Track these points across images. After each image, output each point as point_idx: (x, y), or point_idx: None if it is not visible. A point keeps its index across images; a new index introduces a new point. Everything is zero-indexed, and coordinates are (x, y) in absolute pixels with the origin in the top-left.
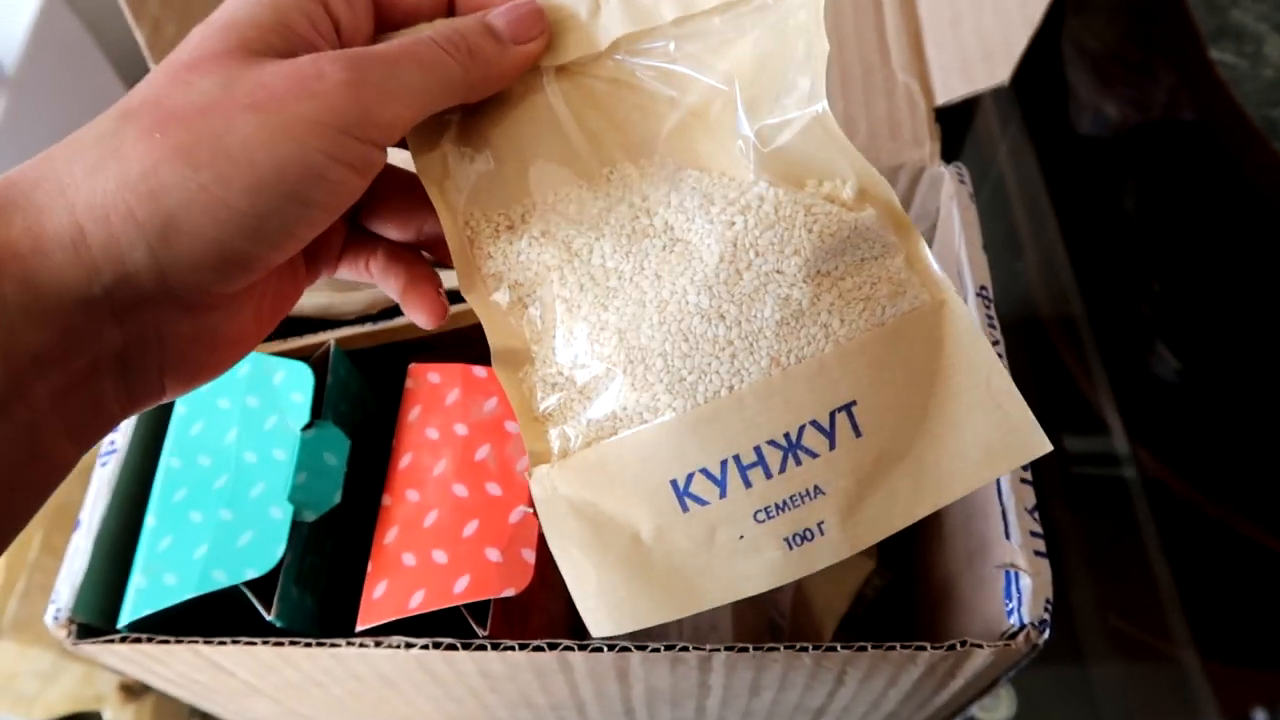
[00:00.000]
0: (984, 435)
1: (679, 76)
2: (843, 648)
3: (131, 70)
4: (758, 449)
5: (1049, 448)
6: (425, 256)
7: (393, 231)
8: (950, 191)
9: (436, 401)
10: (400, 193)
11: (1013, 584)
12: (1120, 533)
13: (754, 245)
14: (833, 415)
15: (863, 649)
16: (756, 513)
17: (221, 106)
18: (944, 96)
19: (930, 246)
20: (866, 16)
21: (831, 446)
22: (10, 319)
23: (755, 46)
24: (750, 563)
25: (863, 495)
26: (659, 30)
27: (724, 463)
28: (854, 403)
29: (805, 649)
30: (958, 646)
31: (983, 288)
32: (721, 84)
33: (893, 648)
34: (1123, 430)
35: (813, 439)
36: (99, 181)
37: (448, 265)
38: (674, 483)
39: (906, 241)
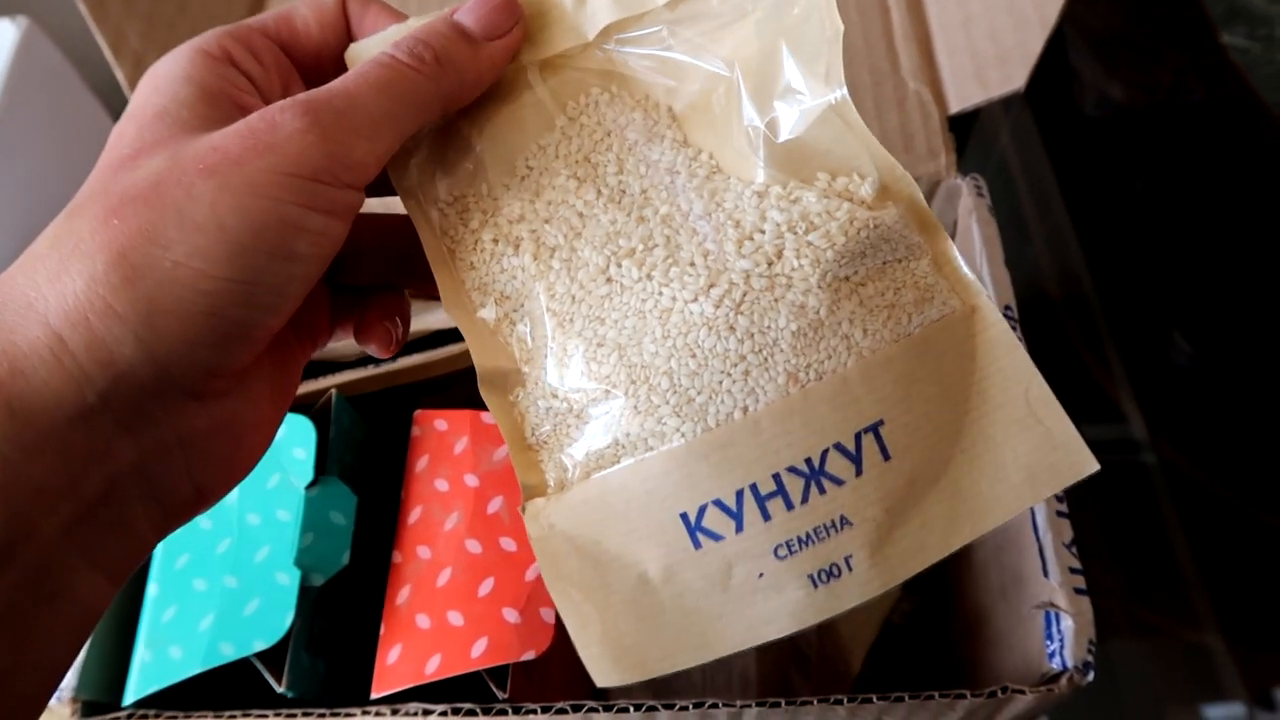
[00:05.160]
0: (1025, 454)
1: (676, 64)
2: (879, 698)
3: (117, 101)
4: (777, 477)
5: (1096, 467)
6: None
7: (366, 277)
8: (969, 206)
9: (445, 450)
10: (372, 234)
11: (1054, 625)
12: (1141, 518)
13: (763, 248)
14: (858, 437)
15: (900, 699)
16: (777, 548)
17: (174, 178)
18: (957, 104)
19: None
20: (873, 22)
21: (858, 472)
22: (1, 454)
23: (759, 28)
24: (771, 603)
25: (894, 525)
26: (651, 15)
27: (740, 493)
28: (881, 422)
29: (840, 701)
30: (998, 693)
31: (1008, 308)
32: (724, 70)
33: (930, 696)
34: (1140, 417)
35: (837, 464)
36: (65, 285)
37: (430, 297)
38: (684, 516)
39: (933, 242)
